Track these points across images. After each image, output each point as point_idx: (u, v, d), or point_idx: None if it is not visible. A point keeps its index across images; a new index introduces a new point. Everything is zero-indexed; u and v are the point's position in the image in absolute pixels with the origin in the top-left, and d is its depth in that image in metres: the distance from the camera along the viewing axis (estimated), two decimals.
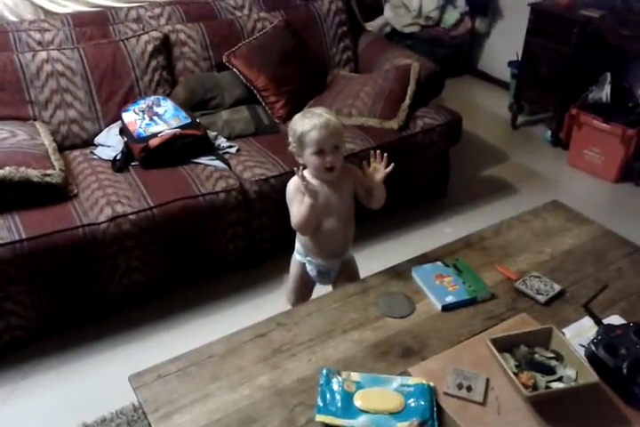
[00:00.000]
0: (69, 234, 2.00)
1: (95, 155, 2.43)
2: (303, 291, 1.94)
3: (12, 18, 2.74)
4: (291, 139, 1.66)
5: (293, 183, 1.70)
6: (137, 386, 1.37)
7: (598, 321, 1.51)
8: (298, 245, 1.86)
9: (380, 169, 1.68)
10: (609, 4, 3.14)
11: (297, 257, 1.88)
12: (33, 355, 2.12)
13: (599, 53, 3.18)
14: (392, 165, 1.68)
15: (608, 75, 3.09)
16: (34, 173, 2.06)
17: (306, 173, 1.69)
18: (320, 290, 1.97)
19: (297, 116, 1.66)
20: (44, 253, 1.98)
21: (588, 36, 3.10)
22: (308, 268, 1.86)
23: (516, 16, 3.71)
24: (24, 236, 1.95)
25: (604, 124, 3.05)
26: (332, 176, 1.66)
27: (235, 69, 2.75)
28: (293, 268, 1.91)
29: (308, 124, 1.59)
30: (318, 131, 1.58)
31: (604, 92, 3.09)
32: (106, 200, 2.13)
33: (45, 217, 2.03)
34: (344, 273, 1.88)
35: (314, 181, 1.67)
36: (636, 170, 3.12)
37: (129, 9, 2.81)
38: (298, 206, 1.67)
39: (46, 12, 2.81)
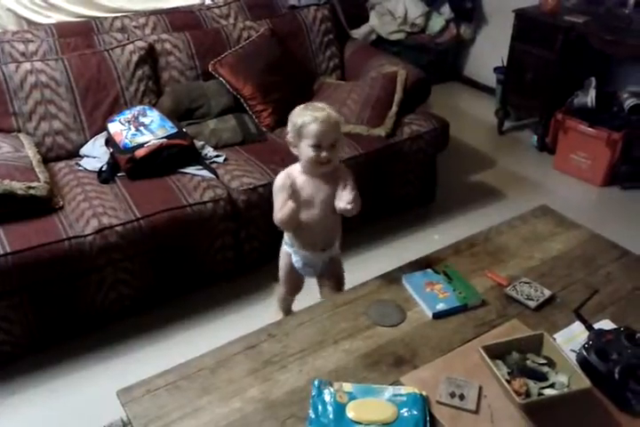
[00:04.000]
0: (55, 247, 1.98)
1: (81, 166, 2.40)
2: (294, 281, 1.96)
3: None
4: (289, 128, 1.66)
5: (281, 178, 1.72)
6: (126, 401, 1.35)
7: (589, 326, 1.51)
8: (286, 236, 1.87)
9: (343, 199, 1.65)
10: (593, 10, 3.17)
11: (285, 247, 1.90)
12: (19, 371, 2.08)
13: (584, 58, 3.21)
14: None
15: (593, 79, 3.12)
16: (18, 186, 2.04)
17: (296, 167, 1.70)
18: (312, 285, 2.02)
19: (298, 108, 1.66)
20: (29, 266, 1.95)
21: (572, 41, 3.13)
22: (294, 259, 1.87)
23: (500, 22, 3.73)
24: (9, 250, 1.92)
25: (590, 129, 3.07)
26: (325, 169, 1.66)
27: (221, 78, 2.74)
28: (282, 258, 1.93)
29: (309, 115, 1.60)
30: (319, 124, 1.58)
31: (589, 97, 3.12)
32: (92, 212, 2.10)
33: (30, 230, 2.01)
34: (329, 271, 1.90)
35: (302, 177, 1.68)
36: (622, 174, 3.14)
37: (113, 19, 2.80)
38: (282, 203, 1.68)
39: (30, 22, 2.80)
